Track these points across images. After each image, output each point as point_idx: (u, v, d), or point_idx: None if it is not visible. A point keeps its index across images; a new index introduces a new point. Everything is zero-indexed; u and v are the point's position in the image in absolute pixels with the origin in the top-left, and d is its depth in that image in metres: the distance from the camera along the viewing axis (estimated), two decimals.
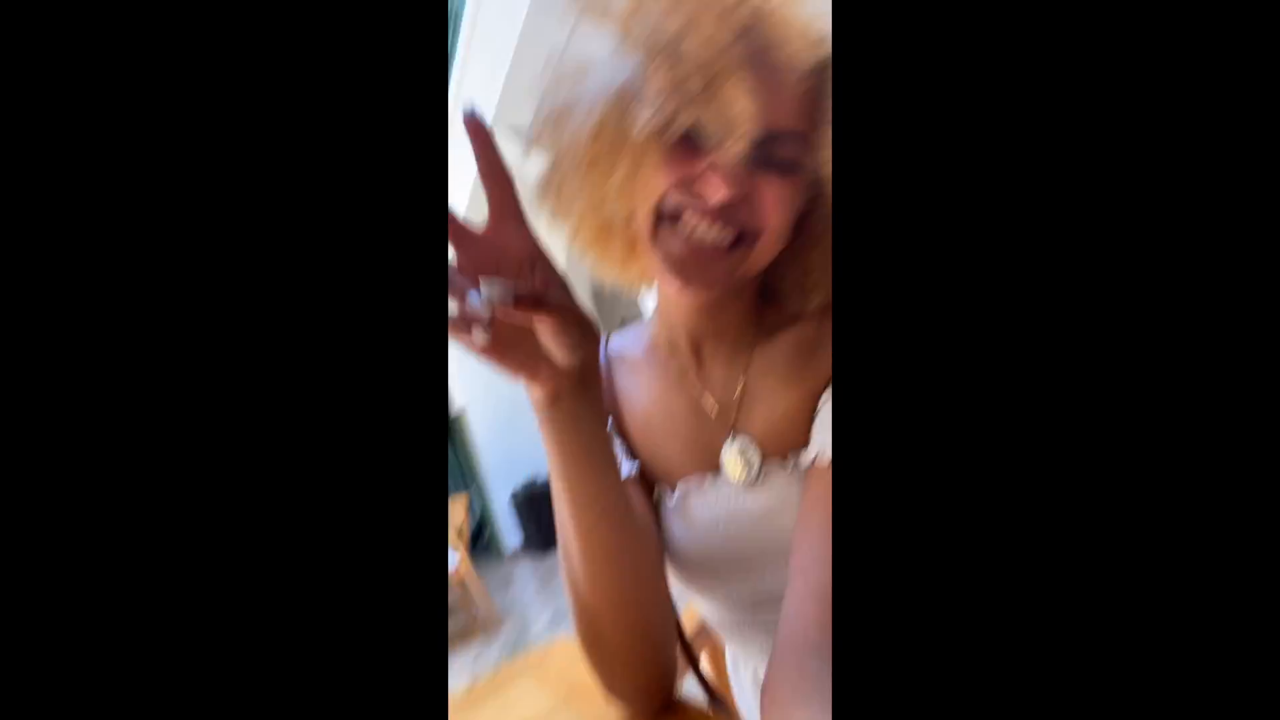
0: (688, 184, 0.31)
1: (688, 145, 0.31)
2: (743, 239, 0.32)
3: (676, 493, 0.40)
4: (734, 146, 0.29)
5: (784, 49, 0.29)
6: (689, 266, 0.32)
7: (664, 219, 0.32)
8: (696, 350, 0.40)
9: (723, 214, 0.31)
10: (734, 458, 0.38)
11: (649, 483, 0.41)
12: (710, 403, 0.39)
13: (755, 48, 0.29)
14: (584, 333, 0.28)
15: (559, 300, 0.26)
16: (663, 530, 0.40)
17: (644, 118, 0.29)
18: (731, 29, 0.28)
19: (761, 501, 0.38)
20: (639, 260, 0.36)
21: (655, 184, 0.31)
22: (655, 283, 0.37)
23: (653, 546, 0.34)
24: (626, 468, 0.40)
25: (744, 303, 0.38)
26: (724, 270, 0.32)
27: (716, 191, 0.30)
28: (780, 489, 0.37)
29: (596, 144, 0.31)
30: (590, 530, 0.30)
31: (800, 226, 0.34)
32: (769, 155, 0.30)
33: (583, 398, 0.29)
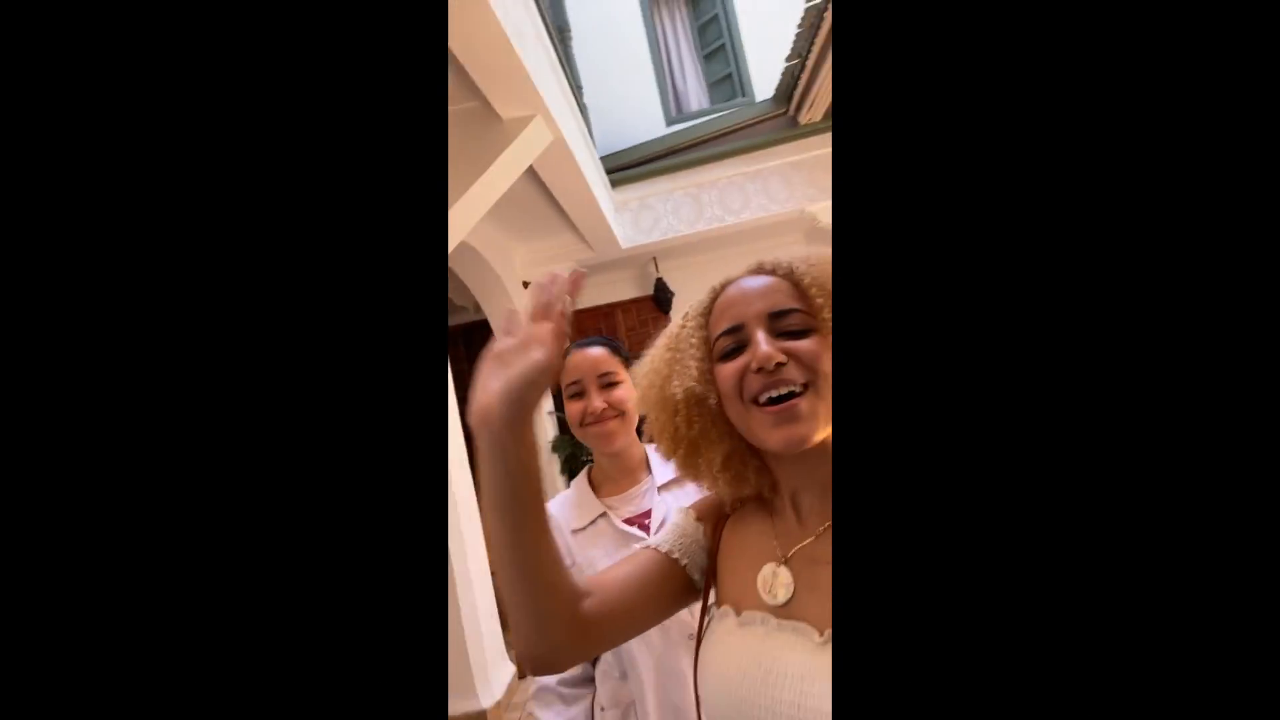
0: (748, 371, 0.45)
1: (734, 354, 0.47)
2: (807, 386, 0.44)
3: (723, 608, 0.49)
4: (759, 331, 0.45)
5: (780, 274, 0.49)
6: (780, 421, 0.44)
7: (747, 403, 0.45)
8: (795, 501, 0.49)
9: (782, 373, 0.44)
10: (774, 578, 0.46)
11: (677, 570, 0.51)
12: (779, 549, 0.48)
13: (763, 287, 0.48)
14: (508, 390, 0.39)
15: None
16: (704, 646, 0.50)
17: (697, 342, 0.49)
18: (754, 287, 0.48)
19: (778, 645, 0.43)
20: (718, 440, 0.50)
21: (728, 385, 0.46)
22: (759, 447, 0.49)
23: (540, 538, 0.43)
24: (658, 549, 0.52)
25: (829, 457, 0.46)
26: (804, 415, 0.44)
27: (770, 359, 0.44)
28: (800, 647, 0.42)
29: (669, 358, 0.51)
30: (491, 512, 0.41)
31: None
32: (780, 327, 0.45)
33: (491, 437, 0.39)
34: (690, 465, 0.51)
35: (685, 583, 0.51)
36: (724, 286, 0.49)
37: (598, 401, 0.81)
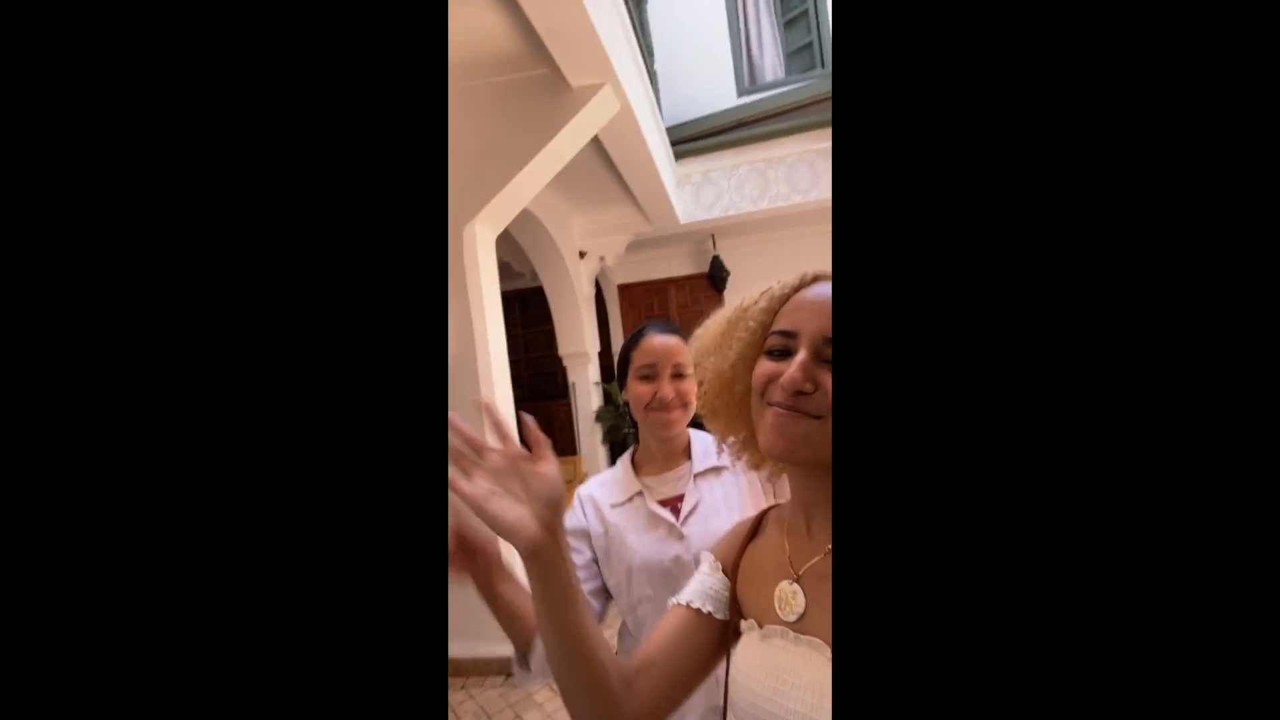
0: (778, 377, 0.45)
1: (778, 356, 0.47)
2: (820, 418, 0.44)
3: (749, 621, 0.51)
4: (803, 350, 0.45)
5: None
6: (777, 432, 0.45)
7: (764, 404, 0.46)
8: (808, 520, 0.50)
9: (801, 401, 0.44)
10: (785, 594, 0.48)
11: (718, 620, 0.53)
12: (791, 566, 0.50)
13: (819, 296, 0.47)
14: (553, 512, 0.42)
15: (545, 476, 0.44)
16: (733, 656, 0.52)
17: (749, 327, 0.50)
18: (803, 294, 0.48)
19: (794, 658, 0.45)
20: (748, 425, 0.52)
21: (757, 381, 0.47)
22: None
23: (588, 640, 0.45)
24: (707, 604, 0.54)
25: None
26: (799, 436, 0.44)
27: (795, 385, 0.44)
28: (814, 662, 0.44)
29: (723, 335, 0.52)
30: (547, 626, 0.44)
31: None
32: (826, 354, 0.44)
33: (549, 560, 0.42)
34: (712, 423, 0.55)
35: (719, 629, 0.53)
36: (813, 279, 0.48)
37: (669, 390, 0.84)
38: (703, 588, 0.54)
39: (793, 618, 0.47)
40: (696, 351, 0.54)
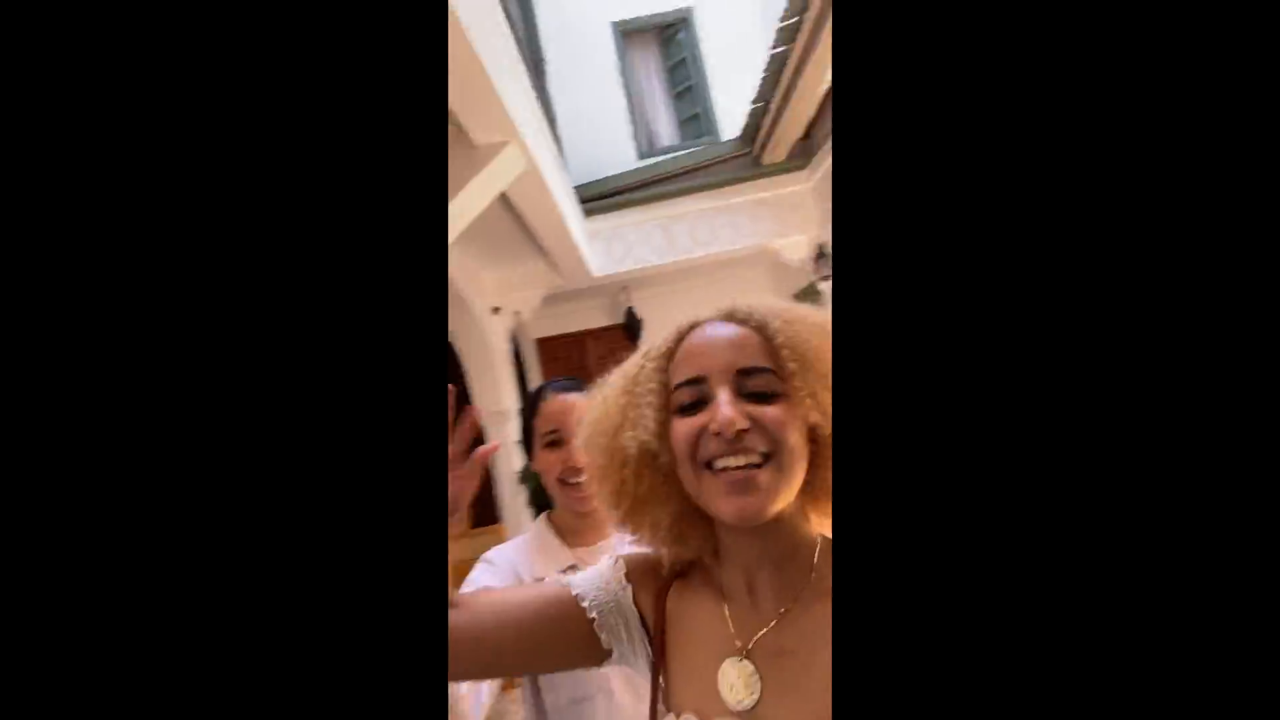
0: (706, 432, 0.40)
1: (692, 409, 0.42)
2: (769, 458, 0.40)
3: (685, 718, 0.42)
4: (722, 390, 0.40)
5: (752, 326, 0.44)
6: (734, 490, 0.39)
7: (700, 467, 0.41)
8: (749, 581, 0.44)
9: (742, 441, 0.39)
10: (736, 677, 0.41)
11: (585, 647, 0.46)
12: (737, 639, 0.43)
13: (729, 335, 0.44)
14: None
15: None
16: None
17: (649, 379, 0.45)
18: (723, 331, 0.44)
19: None
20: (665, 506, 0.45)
21: (682, 444, 0.42)
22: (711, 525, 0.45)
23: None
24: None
25: (790, 532, 0.43)
26: (762, 488, 0.40)
27: (731, 424, 0.39)
28: None
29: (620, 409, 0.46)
30: None
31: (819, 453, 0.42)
32: (747, 387, 0.41)
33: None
34: (633, 522, 0.46)
35: (587, 639, 0.45)
36: (690, 328, 0.44)
37: (580, 455, 0.79)
38: (599, 588, 0.46)
39: (748, 704, 0.39)
40: (591, 434, 0.46)
